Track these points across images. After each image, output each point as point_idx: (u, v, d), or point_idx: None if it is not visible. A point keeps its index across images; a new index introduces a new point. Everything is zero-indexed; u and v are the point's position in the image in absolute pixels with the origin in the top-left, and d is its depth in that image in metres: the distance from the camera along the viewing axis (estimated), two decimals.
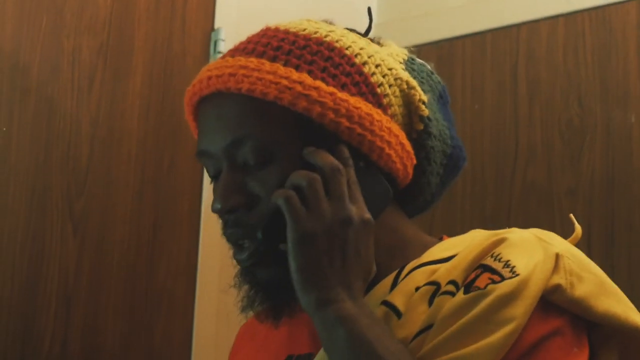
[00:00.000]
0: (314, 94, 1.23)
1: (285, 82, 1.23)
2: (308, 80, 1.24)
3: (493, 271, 1.18)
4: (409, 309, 1.20)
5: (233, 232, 1.27)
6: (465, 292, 1.16)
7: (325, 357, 1.22)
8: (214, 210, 1.28)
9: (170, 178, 2.36)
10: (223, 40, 2.52)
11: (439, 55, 2.90)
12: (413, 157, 1.32)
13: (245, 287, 1.30)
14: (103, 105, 2.21)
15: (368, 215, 1.21)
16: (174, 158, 2.37)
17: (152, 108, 2.34)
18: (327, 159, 1.21)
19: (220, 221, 1.31)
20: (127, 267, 2.23)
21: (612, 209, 2.45)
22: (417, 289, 1.22)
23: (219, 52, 2.50)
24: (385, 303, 1.22)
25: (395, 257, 1.30)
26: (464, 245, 1.26)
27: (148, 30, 2.35)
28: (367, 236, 1.21)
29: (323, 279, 1.16)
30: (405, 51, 1.41)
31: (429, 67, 1.41)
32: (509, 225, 2.39)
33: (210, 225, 2.44)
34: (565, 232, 2.49)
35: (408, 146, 1.31)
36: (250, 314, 1.33)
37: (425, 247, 1.32)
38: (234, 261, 1.31)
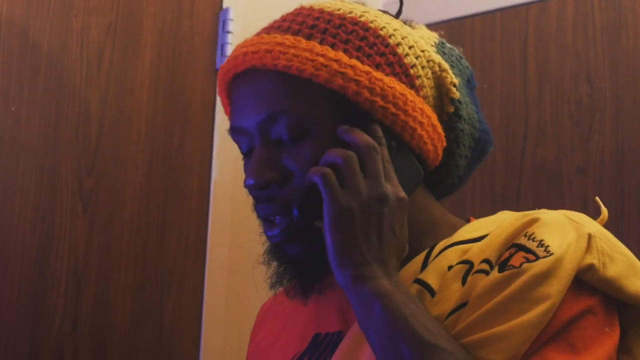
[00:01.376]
0: (349, 72, 1.24)
1: (321, 59, 1.24)
2: (344, 58, 1.25)
3: (527, 250, 1.19)
4: (443, 288, 1.22)
5: (265, 207, 1.28)
6: (500, 271, 1.17)
7: (356, 335, 1.24)
8: (246, 186, 1.29)
9: (180, 157, 2.36)
10: (231, 20, 2.52)
11: (449, 35, 2.86)
12: (444, 139, 1.34)
13: (275, 263, 1.32)
14: (112, 84, 2.21)
15: (403, 194, 1.22)
16: (184, 137, 2.37)
17: (161, 87, 2.34)
18: (363, 137, 1.22)
19: (251, 197, 1.33)
20: (136, 245, 2.23)
21: (622, 188, 2.45)
22: (449, 267, 1.24)
23: (228, 32, 2.50)
24: (419, 281, 1.24)
25: (424, 237, 1.31)
26: (495, 226, 1.28)
27: (157, 9, 2.34)
28: (402, 215, 1.22)
29: (359, 256, 1.17)
30: (436, 35, 1.43)
31: (457, 51, 1.42)
32: (519, 204, 2.41)
33: (220, 204, 2.44)
34: (573, 210, 2.48)
35: (439, 128, 1.32)
36: (269, 291, 1.34)
37: (454, 228, 1.34)
38: (262, 237, 1.32)
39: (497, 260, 1.21)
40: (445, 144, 1.34)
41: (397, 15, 1.41)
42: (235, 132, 1.34)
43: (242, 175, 2.49)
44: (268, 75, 1.27)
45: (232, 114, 1.35)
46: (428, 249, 1.30)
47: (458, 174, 1.41)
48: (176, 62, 2.38)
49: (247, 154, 1.34)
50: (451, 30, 2.88)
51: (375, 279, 1.16)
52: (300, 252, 1.28)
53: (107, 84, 2.20)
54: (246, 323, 2.48)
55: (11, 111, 1.99)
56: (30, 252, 2.01)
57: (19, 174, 2.00)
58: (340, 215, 1.17)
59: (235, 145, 2.37)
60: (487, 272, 1.19)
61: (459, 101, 1.35)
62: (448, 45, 1.42)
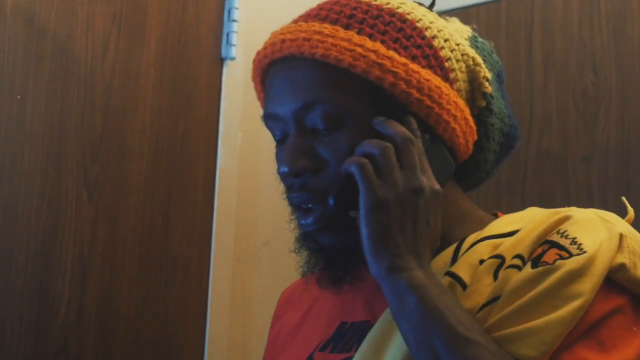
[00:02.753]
0: (387, 63, 1.24)
1: (359, 50, 1.24)
2: (382, 49, 1.25)
3: (561, 247, 1.20)
4: (475, 281, 1.22)
5: (299, 195, 1.28)
6: (533, 267, 1.18)
7: (385, 325, 1.25)
8: (280, 173, 1.30)
9: (185, 145, 2.36)
10: (237, 9, 2.52)
11: None
12: (475, 133, 1.34)
13: (306, 252, 1.32)
14: (117, 72, 2.21)
15: (438, 186, 1.23)
16: (189, 125, 2.38)
17: (166, 76, 2.34)
18: (400, 129, 1.23)
19: (282, 185, 1.33)
20: (142, 234, 2.24)
21: (628, 177, 2.45)
22: (481, 261, 1.24)
23: (233, 20, 2.50)
24: (450, 274, 1.24)
25: (453, 230, 1.32)
26: (525, 221, 1.28)
27: None
28: (436, 207, 1.23)
29: (394, 247, 1.17)
30: (469, 28, 1.43)
31: (489, 45, 1.42)
32: (524, 193, 2.41)
33: (226, 193, 2.44)
34: (579, 200, 2.49)
35: (471, 122, 1.32)
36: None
37: (481, 221, 1.35)
38: (293, 225, 1.32)
39: (529, 256, 1.21)
40: (476, 137, 1.35)
41: (431, 7, 1.41)
42: (269, 118, 1.34)
43: (247, 164, 2.50)
44: (305, 63, 1.27)
45: (266, 100, 1.35)
46: (457, 242, 1.30)
47: (486, 168, 1.41)
48: (181, 51, 2.38)
49: (280, 142, 1.34)
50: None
51: (409, 270, 1.16)
52: (332, 241, 1.28)
53: (112, 73, 2.20)
54: (251, 311, 2.49)
55: (17, 99, 2.00)
56: (35, 240, 2.01)
57: (25, 162, 2.00)
58: (376, 206, 1.18)
59: (240, 134, 2.37)
60: (519, 268, 1.20)
61: (491, 95, 1.35)
62: (480, 39, 1.43)
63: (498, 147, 1.40)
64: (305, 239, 1.32)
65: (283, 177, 1.30)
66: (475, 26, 1.44)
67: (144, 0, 2.30)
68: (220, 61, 2.49)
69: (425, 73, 1.27)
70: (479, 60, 1.35)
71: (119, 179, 2.19)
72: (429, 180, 1.22)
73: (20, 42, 2.01)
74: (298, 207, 1.30)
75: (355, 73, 1.24)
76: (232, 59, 2.50)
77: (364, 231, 1.18)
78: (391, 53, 1.25)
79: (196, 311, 2.37)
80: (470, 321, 1.14)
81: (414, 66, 1.26)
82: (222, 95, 2.47)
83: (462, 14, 2.87)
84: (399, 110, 1.25)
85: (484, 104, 1.35)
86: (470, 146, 1.34)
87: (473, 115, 1.34)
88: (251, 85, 2.58)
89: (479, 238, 1.29)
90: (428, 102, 1.26)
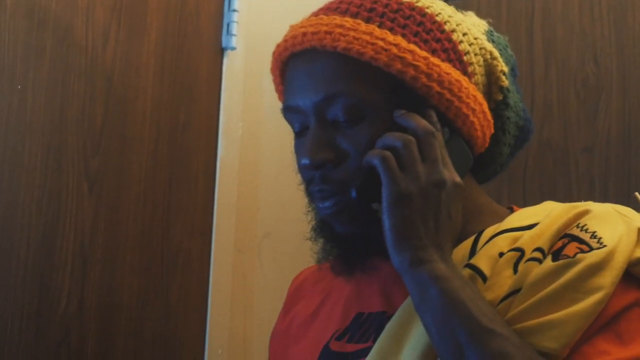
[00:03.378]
0: (408, 56, 1.25)
1: (381, 43, 1.25)
2: (403, 43, 1.26)
3: (581, 241, 1.21)
4: (495, 274, 1.24)
5: (320, 188, 1.29)
6: (553, 260, 1.20)
7: (404, 316, 1.25)
8: (301, 165, 1.31)
9: (186, 136, 2.36)
10: None
11: None
12: (492, 126, 1.35)
13: (321, 240, 1.33)
14: (117, 64, 2.21)
15: (459, 179, 1.24)
16: (189, 116, 2.37)
17: (167, 66, 2.33)
18: (422, 122, 1.24)
19: (302, 177, 1.34)
20: (142, 225, 2.24)
21: (629, 167, 2.45)
22: (500, 254, 1.25)
23: (234, 10, 2.49)
24: (470, 266, 1.26)
25: (470, 222, 1.32)
26: (543, 215, 1.30)
27: None
28: (458, 200, 1.24)
29: (417, 239, 1.18)
30: (485, 22, 1.43)
31: (504, 39, 1.43)
32: (525, 183, 2.41)
33: (226, 183, 2.44)
34: (580, 190, 2.48)
35: (489, 115, 1.34)
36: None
37: (497, 215, 1.36)
38: (310, 216, 1.33)
39: (549, 249, 1.23)
40: (492, 131, 1.36)
41: (448, 0, 1.42)
42: (288, 111, 1.34)
43: (248, 155, 2.50)
44: (327, 56, 1.28)
45: (286, 92, 1.36)
46: (475, 235, 1.31)
47: (501, 161, 1.42)
48: (182, 41, 2.38)
49: (299, 134, 1.35)
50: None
51: (432, 262, 1.17)
52: (348, 230, 1.29)
53: (113, 63, 2.20)
54: (252, 301, 2.49)
55: (17, 90, 1.99)
56: (36, 231, 2.01)
57: (25, 153, 2.00)
58: (400, 199, 1.19)
59: (241, 124, 2.37)
60: (539, 261, 1.21)
61: (507, 89, 1.36)
62: (496, 33, 1.44)
63: (513, 140, 1.41)
64: (322, 227, 1.33)
65: (304, 169, 1.31)
66: (490, 20, 1.45)
67: None
68: (220, 51, 2.49)
69: (445, 66, 1.28)
70: (496, 54, 1.36)
71: (119, 170, 2.19)
72: (450, 173, 1.23)
73: (21, 33, 2.01)
74: (319, 199, 1.30)
75: (376, 66, 1.25)
76: (233, 48, 2.50)
77: (386, 223, 1.19)
78: (412, 47, 1.26)
79: (197, 302, 2.37)
80: (493, 313, 1.16)
81: (434, 60, 1.27)
82: (223, 85, 2.47)
83: (462, 4, 2.86)
84: (419, 103, 1.26)
85: (500, 97, 1.36)
86: (487, 139, 1.35)
87: (489, 109, 1.35)
88: (252, 75, 2.59)
89: (497, 231, 1.30)
90: (448, 96, 1.27)
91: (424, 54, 1.27)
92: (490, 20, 1.45)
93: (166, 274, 2.29)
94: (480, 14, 2.86)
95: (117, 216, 2.18)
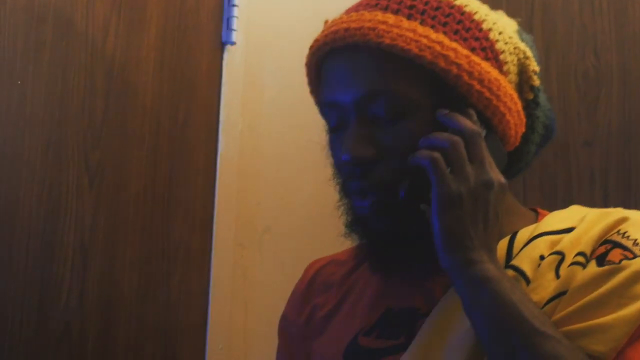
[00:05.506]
0: (451, 54, 1.25)
1: (424, 40, 1.25)
2: (446, 40, 1.26)
3: (624, 248, 1.23)
4: (538, 276, 1.25)
5: (359, 184, 1.28)
6: (598, 265, 1.22)
7: (444, 315, 1.26)
8: (341, 161, 1.29)
9: (186, 131, 2.36)
10: None
11: None
12: (524, 125, 1.35)
13: (356, 237, 1.33)
14: (117, 58, 2.21)
15: (504, 180, 1.24)
16: (189, 111, 2.37)
17: (167, 61, 2.33)
18: (467, 123, 1.24)
19: (337, 172, 1.34)
20: (143, 220, 2.24)
21: (629, 160, 2.45)
22: (541, 257, 1.27)
23: (234, 5, 2.49)
24: (513, 267, 1.26)
25: (503, 223, 1.31)
26: (577, 219, 1.32)
27: None
28: (503, 200, 1.24)
29: (468, 240, 1.19)
30: (515, 22, 1.42)
31: (531, 39, 1.43)
32: (524, 177, 2.40)
33: (227, 178, 2.44)
34: (580, 183, 2.48)
35: (522, 114, 1.34)
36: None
37: (524, 216, 1.38)
38: (341, 211, 1.33)
39: (591, 254, 1.24)
40: (524, 129, 1.36)
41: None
42: (326, 106, 1.34)
43: (248, 149, 2.50)
44: (369, 52, 1.27)
45: (325, 87, 1.34)
46: (509, 236, 1.32)
47: (527, 160, 1.43)
48: (182, 36, 2.38)
49: (334, 129, 1.34)
50: None
51: (482, 263, 1.18)
52: (384, 227, 1.29)
53: (113, 58, 2.20)
54: (253, 296, 2.49)
55: (17, 85, 1.99)
56: (36, 226, 2.01)
57: (25, 148, 2.00)
58: (450, 201, 1.19)
59: (241, 119, 2.37)
60: (583, 265, 1.22)
61: (538, 88, 1.37)
62: (524, 33, 1.43)
63: (539, 139, 1.42)
64: (356, 223, 1.32)
65: (343, 165, 1.30)
66: (520, 19, 1.45)
67: None
68: (220, 46, 2.49)
69: (485, 65, 1.28)
70: (529, 53, 1.35)
71: (120, 165, 2.19)
72: (496, 174, 1.23)
73: (20, 27, 2.01)
74: (357, 195, 1.30)
75: (419, 64, 1.25)
76: (233, 43, 2.50)
77: (437, 225, 1.19)
78: (454, 44, 1.26)
79: (197, 296, 2.37)
80: (542, 315, 1.17)
81: (475, 58, 1.27)
82: (223, 80, 2.47)
83: None
84: (459, 101, 1.26)
85: (531, 96, 1.36)
86: (519, 138, 1.35)
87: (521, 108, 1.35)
88: (252, 69, 2.59)
89: (535, 233, 1.31)
90: (487, 94, 1.27)
91: (465, 52, 1.27)
92: (519, 20, 1.45)
93: (166, 268, 2.29)
94: None
95: (117, 210, 2.18)
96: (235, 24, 2.49)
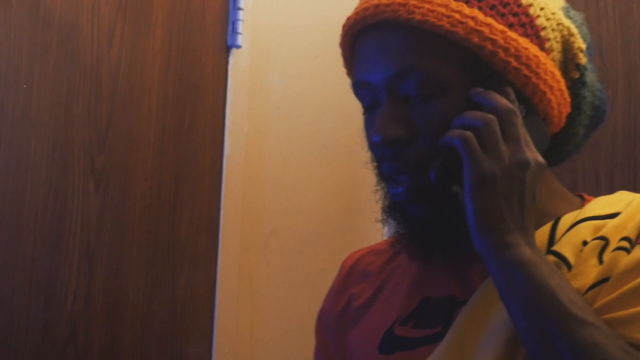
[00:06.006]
0: (485, 30, 1.21)
1: (457, 16, 1.20)
2: (480, 16, 1.21)
3: None
4: (580, 262, 1.20)
5: (391, 166, 1.24)
6: None
7: (481, 302, 1.22)
8: (372, 142, 1.25)
9: (191, 133, 2.36)
10: None
11: None
12: (569, 105, 1.30)
13: (394, 222, 1.28)
14: (123, 61, 2.21)
15: (542, 159, 1.19)
16: (195, 114, 2.37)
17: (172, 64, 2.34)
18: (502, 101, 1.19)
19: (372, 155, 1.29)
20: (149, 222, 2.24)
21: (635, 162, 2.44)
22: (584, 242, 1.22)
23: (239, 8, 2.49)
24: (554, 253, 1.22)
25: (545, 207, 1.28)
26: (623, 204, 1.27)
27: None
28: (540, 181, 1.20)
29: (502, 223, 1.14)
30: None
31: (580, 17, 1.37)
32: None
33: (232, 181, 2.44)
34: (586, 185, 2.48)
35: (566, 93, 1.29)
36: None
37: (569, 201, 1.33)
38: (378, 195, 1.29)
39: (636, 239, 1.20)
40: (569, 110, 1.31)
41: None
42: (359, 86, 1.29)
43: (254, 152, 2.50)
44: (400, 29, 1.22)
45: (357, 67, 1.30)
46: (553, 221, 1.27)
47: (575, 142, 1.37)
48: (187, 39, 2.38)
49: (368, 109, 1.29)
50: None
51: (517, 246, 1.13)
52: (421, 212, 1.25)
53: (118, 61, 2.20)
54: (258, 299, 2.49)
55: (22, 88, 2.00)
56: (42, 229, 2.02)
57: (31, 151, 2.01)
58: (483, 181, 1.14)
59: (247, 122, 2.36)
60: (627, 250, 1.18)
61: (585, 67, 1.31)
62: (572, 10, 1.37)
63: (588, 121, 1.36)
64: (393, 209, 1.27)
65: (374, 146, 1.26)
66: None
67: None
68: (226, 49, 2.49)
69: (523, 41, 1.23)
70: (574, 30, 1.30)
71: (125, 168, 2.20)
72: (533, 153, 1.18)
73: (26, 31, 2.01)
74: (389, 178, 1.26)
75: (452, 40, 1.20)
76: (238, 46, 2.50)
77: (469, 207, 1.15)
78: (489, 20, 1.21)
79: (203, 299, 2.37)
80: (582, 301, 1.11)
81: (512, 34, 1.22)
82: (228, 83, 2.47)
83: None
84: (495, 79, 1.22)
85: (577, 75, 1.30)
86: (563, 119, 1.30)
87: (566, 87, 1.29)
88: (257, 72, 2.59)
89: (579, 218, 1.26)
90: (525, 71, 1.22)
91: (501, 27, 1.22)
92: None
93: (172, 271, 2.29)
94: None
95: (123, 214, 2.18)
96: (240, 27, 2.49)
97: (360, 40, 1.29)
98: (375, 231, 2.40)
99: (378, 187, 1.30)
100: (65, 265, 2.05)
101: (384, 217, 1.30)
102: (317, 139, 2.61)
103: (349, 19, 1.29)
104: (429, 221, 1.25)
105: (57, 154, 2.05)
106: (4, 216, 1.98)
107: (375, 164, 1.29)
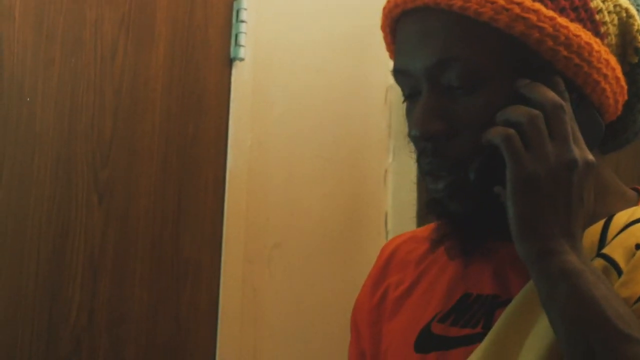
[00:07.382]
0: (532, 17, 1.12)
1: (501, 1, 1.12)
2: (527, 1, 1.13)
3: None
4: (633, 268, 1.11)
5: (431, 162, 1.18)
6: None
7: (525, 304, 1.15)
8: (411, 136, 1.18)
9: (195, 147, 2.36)
10: (245, 9, 2.51)
11: None
12: (625, 92, 1.21)
13: (434, 218, 1.23)
14: (126, 76, 2.21)
15: (591, 157, 1.11)
16: (198, 128, 2.37)
17: (175, 78, 2.34)
18: (549, 94, 1.11)
19: (413, 147, 1.22)
20: (152, 237, 2.24)
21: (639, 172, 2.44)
22: (637, 246, 1.13)
23: (242, 21, 2.49)
24: (604, 256, 1.14)
25: (597, 204, 1.20)
26: None
27: (170, 0, 2.34)
28: (590, 181, 1.12)
29: (546, 227, 1.07)
30: None
31: None
32: None
33: (235, 194, 2.44)
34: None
35: (622, 81, 1.20)
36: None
37: (624, 196, 1.25)
38: (418, 190, 1.22)
39: None
40: (626, 97, 1.21)
41: None
42: (398, 74, 1.22)
43: (257, 166, 2.50)
44: (440, 16, 1.15)
45: (396, 54, 1.23)
46: (605, 220, 1.19)
47: (634, 130, 1.28)
48: (190, 53, 2.38)
49: (409, 97, 1.22)
50: None
51: (562, 254, 1.06)
52: (462, 209, 1.18)
53: (121, 76, 2.20)
54: (262, 312, 2.48)
55: (26, 103, 2.00)
56: (46, 243, 2.02)
57: (35, 165, 2.01)
58: (526, 183, 1.07)
59: (250, 135, 2.36)
60: None
61: None
62: None
63: None
64: (435, 205, 1.20)
65: (414, 140, 1.20)
66: None
67: (152, 3, 2.30)
68: (229, 62, 2.49)
69: (575, 28, 1.14)
70: (633, 12, 1.21)
71: (129, 182, 2.20)
72: (582, 152, 1.10)
73: (29, 45, 2.02)
74: (429, 173, 1.19)
75: (496, 28, 1.12)
76: (241, 59, 2.50)
77: (511, 210, 1.08)
78: (537, 5, 1.13)
79: (207, 313, 2.36)
80: (629, 315, 1.03)
81: (562, 20, 1.14)
82: (232, 96, 2.47)
83: None
84: (543, 69, 1.14)
85: (635, 60, 1.22)
86: (620, 107, 1.21)
87: (623, 73, 1.21)
88: (260, 85, 2.59)
89: (633, 218, 1.17)
90: (577, 61, 1.14)
91: (551, 13, 1.13)
92: None
93: (176, 285, 2.29)
94: None
95: (126, 228, 2.18)
96: (243, 40, 2.49)
97: (400, 25, 1.22)
98: (379, 244, 2.39)
99: (422, 181, 1.23)
100: (68, 279, 2.05)
101: (425, 212, 1.23)
102: (320, 152, 2.61)
103: (388, 1, 1.23)
104: (469, 218, 1.18)
105: (61, 168, 2.05)
106: (8, 230, 1.99)
107: (416, 156, 1.22)
